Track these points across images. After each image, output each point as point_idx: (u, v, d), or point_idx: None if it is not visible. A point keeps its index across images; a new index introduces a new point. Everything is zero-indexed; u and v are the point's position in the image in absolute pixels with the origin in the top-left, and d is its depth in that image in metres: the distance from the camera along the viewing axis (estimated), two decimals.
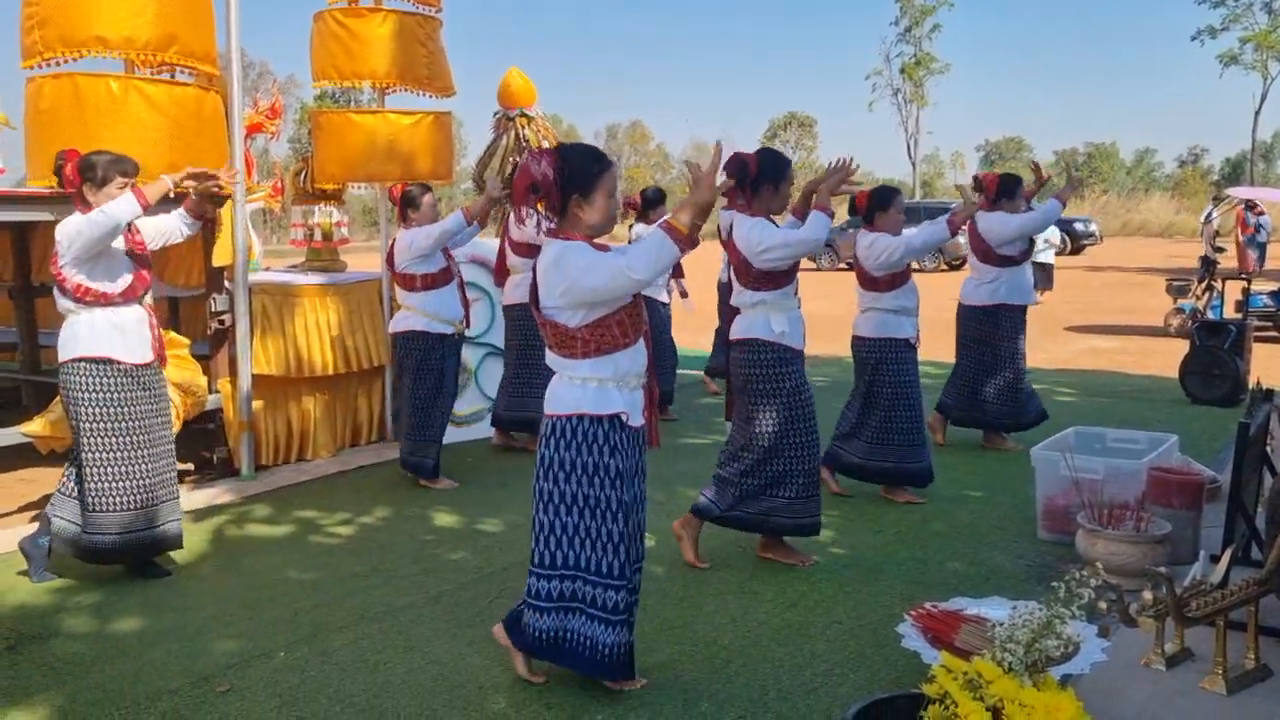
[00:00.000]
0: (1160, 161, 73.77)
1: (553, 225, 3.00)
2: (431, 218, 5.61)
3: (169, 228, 4.41)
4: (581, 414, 2.96)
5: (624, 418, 2.98)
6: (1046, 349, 10.76)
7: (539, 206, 3.01)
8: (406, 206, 5.62)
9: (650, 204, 7.60)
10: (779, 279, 4.14)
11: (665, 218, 2.89)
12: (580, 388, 2.97)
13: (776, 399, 4.13)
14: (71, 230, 3.92)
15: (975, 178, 6.35)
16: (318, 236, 7.32)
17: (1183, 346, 8.48)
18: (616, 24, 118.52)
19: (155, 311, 4.30)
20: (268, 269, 7.84)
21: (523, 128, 7.79)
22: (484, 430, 6.90)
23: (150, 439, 4.20)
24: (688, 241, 2.81)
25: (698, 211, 2.81)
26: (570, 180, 2.92)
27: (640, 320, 3.01)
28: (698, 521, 4.29)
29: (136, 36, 4.98)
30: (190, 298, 6.56)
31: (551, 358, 3.04)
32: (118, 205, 3.88)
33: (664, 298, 7.46)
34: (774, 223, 4.17)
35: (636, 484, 3.08)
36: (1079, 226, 27.51)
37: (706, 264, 7.89)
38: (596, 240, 3.01)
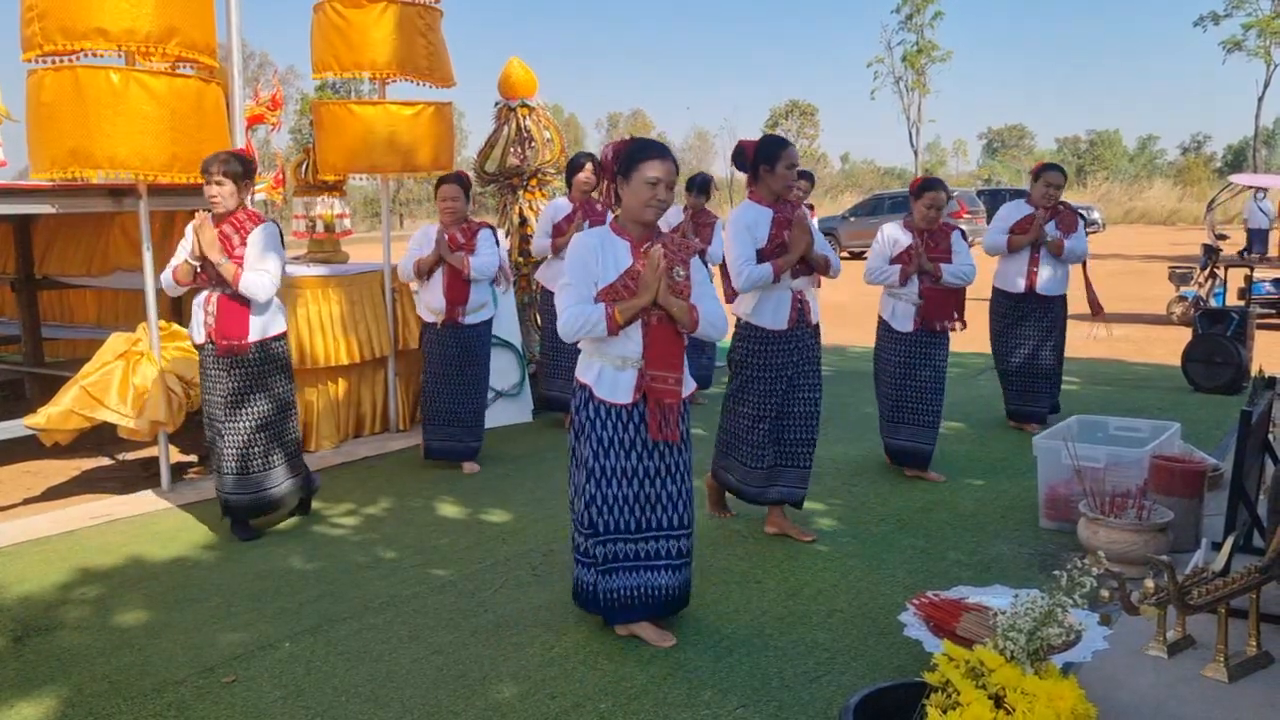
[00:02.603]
0: (1163, 149, 73.64)
1: (616, 211, 3.36)
2: (447, 209, 5.62)
3: (264, 274, 4.54)
4: (575, 378, 3.37)
5: (591, 390, 3.25)
6: None
7: (607, 187, 3.38)
8: None
9: (690, 188, 7.32)
10: (759, 259, 4.26)
11: (611, 305, 3.16)
12: (581, 355, 3.35)
13: (739, 370, 4.39)
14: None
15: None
16: (319, 228, 7.32)
17: (1185, 334, 8.47)
18: (617, 13, 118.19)
19: (224, 299, 4.48)
20: None
21: (524, 118, 7.78)
22: (487, 420, 6.90)
23: (215, 414, 4.59)
24: (620, 329, 3.17)
25: (637, 309, 3.16)
26: (620, 163, 3.23)
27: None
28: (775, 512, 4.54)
29: (137, 28, 4.98)
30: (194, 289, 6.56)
31: None
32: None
33: None
34: (777, 211, 4.27)
35: (636, 458, 3.26)
36: (1082, 214, 27.38)
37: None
38: (640, 227, 3.26)
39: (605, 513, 3.30)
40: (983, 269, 5.51)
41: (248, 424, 4.59)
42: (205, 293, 4.50)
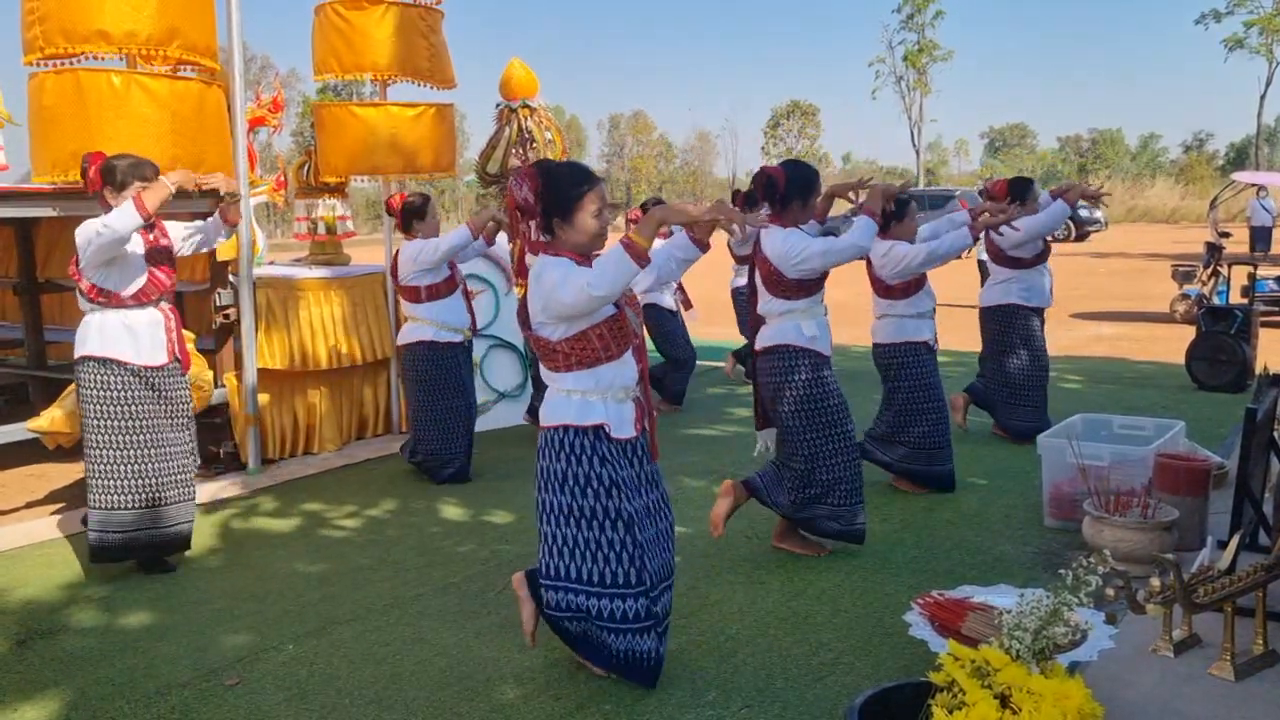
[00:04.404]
0: (1165, 147, 73.46)
1: (546, 240, 3.02)
2: (436, 226, 5.57)
3: (203, 234, 4.46)
4: (566, 425, 2.98)
5: (606, 429, 2.97)
6: (1052, 336, 10.66)
7: (529, 226, 3.03)
8: (411, 217, 5.54)
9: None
10: (811, 287, 4.12)
11: (626, 234, 2.88)
12: (565, 400, 2.99)
13: (812, 404, 4.09)
14: (83, 238, 3.96)
15: (985, 188, 6.29)
16: (321, 230, 7.32)
17: (1189, 332, 8.46)
18: (618, 14, 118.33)
19: (175, 313, 4.33)
20: (272, 263, 7.85)
21: (525, 119, 7.77)
22: (491, 422, 6.92)
23: (158, 439, 4.19)
24: (645, 256, 2.80)
25: (654, 230, 2.84)
26: (551, 203, 2.95)
27: (625, 334, 2.99)
28: (745, 493, 4.23)
29: (138, 31, 4.98)
30: (195, 292, 6.56)
31: (542, 370, 3.08)
32: (119, 217, 3.87)
33: (670, 304, 7.48)
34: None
35: (643, 494, 3.07)
36: (1084, 213, 27.39)
37: (715, 256, 7.86)
38: (594, 253, 3.02)
39: (651, 559, 3.01)
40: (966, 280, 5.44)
41: (180, 445, 4.34)
42: (151, 310, 4.18)
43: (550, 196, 2.94)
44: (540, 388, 3.16)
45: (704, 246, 3.10)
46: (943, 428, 5.07)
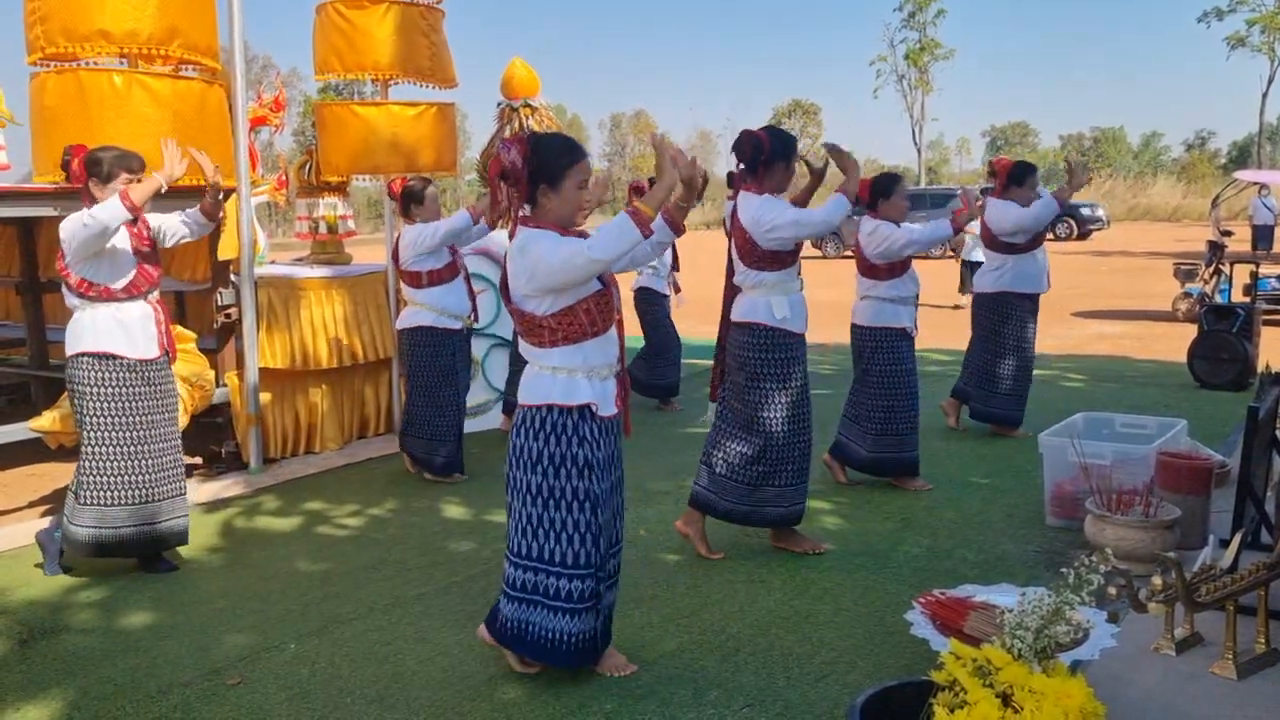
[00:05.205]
0: (1167, 145, 73.41)
1: (526, 213, 3.01)
2: (435, 211, 5.60)
3: (182, 226, 4.41)
4: (550, 404, 2.97)
5: (593, 408, 2.98)
6: (1054, 335, 10.72)
7: (512, 194, 3.00)
8: (410, 202, 5.57)
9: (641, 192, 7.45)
10: (784, 259, 4.13)
11: (632, 203, 2.91)
12: (550, 378, 2.98)
13: (775, 384, 4.12)
14: (67, 232, 3.93)
15: (990, 162, 6.31)
16: (322, 229, 7.32)
17: (1190, 331, 8.45)
18: (619, 14, 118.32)
19: (164, 306, 4.31)
20: (273, 262, 7.84)
21: (526, 118, 7.77)
22: (491, 422, 6.92)
23: (154, 434, 4.19)
24: (650, 226, 2.84)
25: (663, 197, 2.87)
26: (538, 170, 2.93)
27: (610, 310, 3.01)
28: (700, 515, 4.28)
29: (140, 30, 4.98)
30: (196, 292, 6.57)
31: (523, 346, 3.06)
32: (105, 209, 3.84)
33: (664, 289, 7.50)
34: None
35: (610, 473, 3.09)
36: (1086, 211, 27.35)
37: (715, 254, 7.86)
38: (573, 229, 3.01)
39: (602, 539, 3.04)
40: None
41: (173, 440, 4.32)
42: (142, 304, 4.15)
43: (538, 162, 2.93)
44: (520, 366, 3.14)
45: (678, 230, 3.05)
46: (912, 415, 5.12)
